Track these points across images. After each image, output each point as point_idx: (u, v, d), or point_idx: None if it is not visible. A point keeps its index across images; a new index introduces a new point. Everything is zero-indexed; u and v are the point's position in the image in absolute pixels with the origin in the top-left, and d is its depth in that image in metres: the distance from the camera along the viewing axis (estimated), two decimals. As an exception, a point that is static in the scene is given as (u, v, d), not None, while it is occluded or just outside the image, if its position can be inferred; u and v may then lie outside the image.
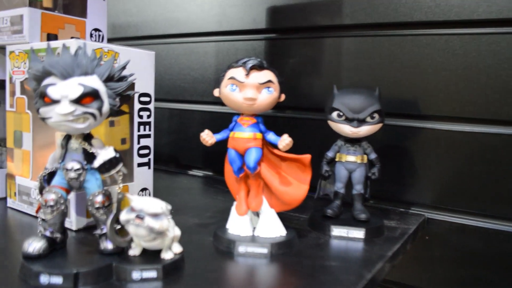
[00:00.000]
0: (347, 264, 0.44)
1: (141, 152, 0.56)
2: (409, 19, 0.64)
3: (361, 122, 0.52)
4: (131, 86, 0.54)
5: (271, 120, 0.78)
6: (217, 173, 0.87)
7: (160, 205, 0.38)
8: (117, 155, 0.39)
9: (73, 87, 0.36)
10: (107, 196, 0.40)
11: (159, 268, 0.38)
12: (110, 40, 0.99)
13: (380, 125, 0.53)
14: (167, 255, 0.40)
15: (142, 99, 0.56)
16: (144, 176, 0.57)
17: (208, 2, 0.83)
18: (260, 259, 0.44)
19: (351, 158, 0.55)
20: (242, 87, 0.45)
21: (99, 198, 0.40)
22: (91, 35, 0.59)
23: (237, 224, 0.48)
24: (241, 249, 0.45)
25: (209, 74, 0.84)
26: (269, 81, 0.45)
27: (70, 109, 0.36)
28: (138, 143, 0.56)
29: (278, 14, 0.76)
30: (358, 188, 0.56)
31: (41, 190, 0.41)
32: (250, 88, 0.45)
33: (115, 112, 0.40)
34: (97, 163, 0.39)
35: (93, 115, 0.37)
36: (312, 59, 0.73)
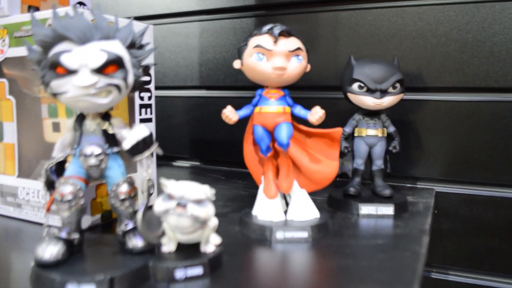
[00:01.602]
0: (394, 240, 0.42)
1: (144, 138, 0.50)
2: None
3: (384, 92, 0.49)
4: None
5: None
6: (205, 162, 0.81)
7: (203, 190, 0.33)
8: (151, 134, 0.33)
9: (95, 53, 0.30)
10: (132, 185, 0.34)
11: (205, 263, 0.33)
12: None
13: (401, 95, 0.51)
14: (208, 248, 0.35)
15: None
16: (147, 165, 0.51)
17: (187, -22, 0.77)
18: (300, 244, 0.40)
19: (371, 132, 0.52)
20: (270, 56, 0.41)
21: (124, 188, 0.34)
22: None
23: (267, 209, 0.43)
24: (279, 235, 0.41)
25: (193, 57, 0.78)
26: (299, 48, 0.41)
27: (92, 80, 0.30)
28: (140, 128, 0.49)
29: (268, -11, 0.71)
30: (378, 164, 0.53)
31: (49, 185, 0.34)
32: (279, 56, 0.41)
33: (138, 84, 0.34)
34: (128, 143, 0.33)
35: (117, 87, 0.31)
36: (307, 35, 0.69)
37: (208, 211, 0.32)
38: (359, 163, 0.53)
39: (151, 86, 0.51)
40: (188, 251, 0.35)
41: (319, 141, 0.46)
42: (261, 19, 0.72)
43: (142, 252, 0.34)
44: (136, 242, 0.34)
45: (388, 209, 0.49)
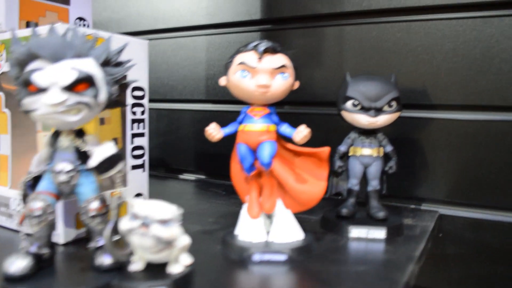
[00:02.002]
0: (376, 267, 0.40)
1: (135, 153, 0.50)
2: (416, 3, 0.61)
3: (379, 111, 0.48)
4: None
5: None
6: (210, 176, 0.81)
7: (170, 210, 0.32)
8: (118, 152, 0.34)
9: (65, 71, 0.30)
10: (104, 202, 0.34)
11: (168, 284, 0.33)
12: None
13: (398, 114, 0.49)
14: (175, 269, 0.34)
15: (135, 93, 0.50)
16: (138, 180, 0.51)
17: (197, -7, 0.78)
18: (278, 267, 0.39)
19: (366, 151, 0.50)
20: (254, 73, 0.40)
21: (95, 205, 0.34)
22: (75, 24, 0.53)
23: (249, 229, 0.43)
24: (257, 256, 0.40)
25: (200, 71, 0.79)
26: (284, 65, 0.41)
27: (61, 98, 0.30)
28: (132, 143, 0.50)
29: (274, 3, 0.71)
30: (374, 184, 0.51)
31: (24, 198, 0.35)
32: (263, 73, 0.40)
33: (113, 102, 0.34)
34: (94, 161, 0.33)
35: (87, 105, 0.31)
36: (312, 50, 0.69)
37: (172, 232, 0.32)
38: (354, 183, 0.52)
39: (145, 101, 0.51)
40: (156, 270, 0.34)
41: (307, 161, 0.45)
42: (267, 33, 0.72)
43: (110, 269, 0.34)
44: (103, 260, 0.34)
45: (379, 233, 0.47)
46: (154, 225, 0.31)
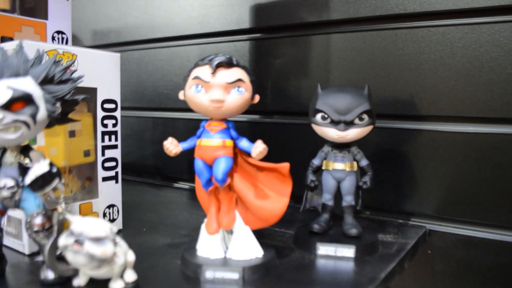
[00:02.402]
0: (333, 290, 0.38)
1: (107, 164, 0.51)
2: (402, 11, 0.58)
3: (349, 124, 0.46)
4: (91, 90, 0.49)
5: (257, 126, 0.73)
6: (204, 184, 0.81)
7: (104, 228, 0.32)
8: (53, 170, 0.34)
9: (1, 91, 0.31)
10: (48, 217, 0.35)
11: (104, 302, 0.33)
12: (93, 47, 0.94)
13: (370, 127, 0.47)
14: (116, 285, 0.34)
15: (106, 106, 0.50)
16: (110, 191, 0.51)
17: (190, 3, 0.78)
18: (231, 286, 0.38)
19: (339, 165, 0.49)
20: (207, 88, 0.40)
21: (38, 220, 0.34)
22: (53, 38, 0.54)
23: (207, 245, 0.42)
24: (209, 274, 0.39)
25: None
26: (239, 79, 0.40)
27: (-5, 117, 0.31)
28: (103, 155, 0.50)
29: (262, 13, 0.70)
30: (348, 200, 0.50)
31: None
32: (217, 88, 0.39)
33: (56, 119, 0.35)
34: (28, 179, 0.33)
35: (25, 123, 0.32)
36: (300, 58, 0.67)
37: (106, 250, 0.32)
38: (327, 198, 0.50)
39: (117, 114, 0.51)
40: (98, 286, 0.34)
41: (271, 176, 0.43)
42: (256, 42, 0.72)
43: (53, 284, 0.34)
44: (47, 274, 0.34)
45: (348, 251, 0.46)
46: (87, 243, 0.31)
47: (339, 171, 0.49)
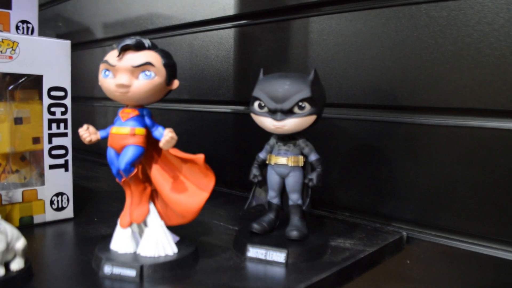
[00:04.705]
0: (229, 297, 0.34)
1: (54, 152, 0.51)
2: (380, -12, 0.52)
3: (286, 113, 0.41)
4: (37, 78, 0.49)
5: (241, 117, 0.69)
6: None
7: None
8: None
9: None
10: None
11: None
12: (102, 40, 0.97)
13: (312, 117, 0.42)
14: (-5, 273, 0.33)
15: (54, 93, 0.50)
16: (59, 179, 0.51)
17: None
18: (127, 283, 0.36)
19: (281, 160, 0.44)
20: (115, 72, 0.37)
21: None
22: (17, 27, 0.55)
23: (119, 239, 0.40)
24: (107, 269, 0.37)
25: (185, 70, 0.77)
26: (147, 63, 0.37)
27: None
28: (50, 142, 0.50)
29: (246, -2, 0.66)
30: (293, 198, 0.45)
31: None
32: (122, 72, 0.37)
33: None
34: None
35: None
36: (282, 45, 0.63)
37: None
38: (272, 196, 0.45)
39: (67, 101, 0.51)
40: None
41: (194, 168, 0.40)
42: (240, 30, 0.68)
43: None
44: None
45: (279, 255, 0.41)
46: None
47: (281, 166, 0.44)
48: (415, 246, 0.51)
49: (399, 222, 0.53)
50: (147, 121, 0.39)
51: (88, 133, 0.40)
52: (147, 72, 0.37)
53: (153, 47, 0.38)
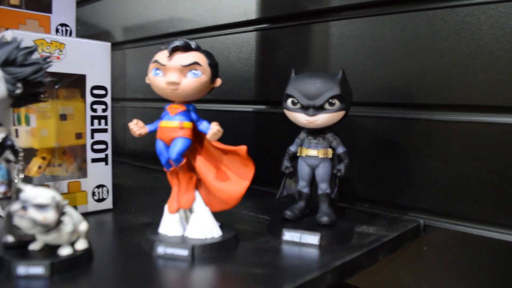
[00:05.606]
0: (276, 272, 0.38)
1: (96, 147, 0.54)
2: (398, -5, 0.56)
3: (318, 109, 0.45)
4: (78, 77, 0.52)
5: (263, 116, 0.73)
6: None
7: (47, 196, 0.35)
8: (6, 142, 0.37)
9: (-39, 71, 0.35)
10: (10, 186, 0.38)
11: (46, 264, 0.35)
12: (122, 43, 1.00)
13: (341, 113, 0.46)
14: (63, 251, 0.37)
15: (96, 91, 0.54)
16: (100, 172, 0.55)
17: (204, -4, 0.81)
18: (180, 262, 0.39)
19: (312, 152, 0.48)
20: (165, 71, 0.41)
21: (1, 189, 0.38)
22: (57, 30, 0.59)
23: (167, 223, 0.44)
24: (160, 250, 0.41)
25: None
26: (195, 63, 0.41)
27: (-42, 94, 0.35)
28: (92, 137, 0.54)
29: (268, 2, 0.70)
30: (323, 188, 0.48)
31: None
32: (172, 71, 0.41)
33: (21, 99, 0.38)
34: (-15, 149, 0.37)
35: (-15, 100, 0.36)
36: (303, 48, 0.67)
37: (47, 216, 0.35)
38: (302, 186, 0.49)
39: (107, 99, 0.55)
40: (49, 251, 0.37)
41: (235, 159, 0.44)
42: (262, 33, 0.72)
43: (13, 246, 0.38)
44: (7, 237, 0.38)
45: (313, 238, 0.45)
46: (31, 209, 0.34)
47: (312, 157, 0.48)
48: (431, 233, 0.55)
49: (416, 211, 0.57)
50: (193, 115, 0.43)
51: (138, 127, 0.44)
52: (194, 71, 0.41)
53: (198, 48, 0.42)
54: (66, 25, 0.59)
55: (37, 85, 0.39)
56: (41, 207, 0.34)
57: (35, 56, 0.39)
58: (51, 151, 0.54)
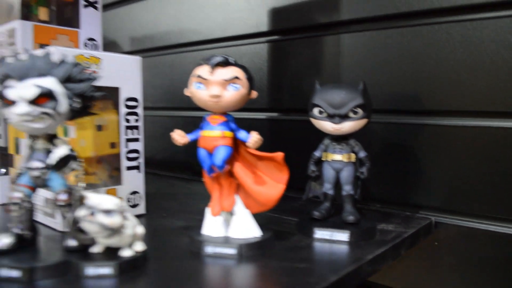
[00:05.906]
0: (316, 266, 0.42)
1: (130, 155, 0.57)
2: (407, 9, 0.61)
3: (343, 118, 0.50)
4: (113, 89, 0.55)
5: (275, 123, 0.77)
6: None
7: (113, 202, 0.38)
8: (71, 153, 0.40)
9: (29, 87, 0.38)
10: (71, 194, 0.41)
11: (114, 264, 0.38)
12: (130, 53, 1.03)
13: (364, 121, 0.51)
14: (125, 253, 0.40)
15: (129, 103, 0.57)
16: (134, 179, 0.58)
17: (214, 9, 0.84)
18: (228, 260, 0.43)
19: (337, 156, 0.52)
20: (207, 85, 0.45)
21: (62, 197, 0.41)
22: (85, 45, 0.61)
23: (210, 225, 0.47)
24: (209, 249, 0.44)
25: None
26: (235, 77, 0.45)
27: (26, 109, 0.37)
28: (126, 147, 0.57)
29: (279, 16, 0.75)
30: (347, 189, 0.53)
31: (15, 190, 0.43)
32: (215, 85, 0.44)
33: (77, 112, 0.41)
34: (50, 160, 0.40)
35: (49, 114, 0.38)
36: (314, 59, 0.71)
37: (114, 220, 0.38)
38: (328, 188, 0.54)
39: (139, 111, 0.58)
40: (111, 254, 0.40)
41: (270, 164, 0.48)
42: (273, 44, 0.76)
43: (75, 250, 0.41)
44: (69, 242, 0.41)
45: (343, 235, 0.49)
46: (99, 214, 0.38)
47: (337, 162, 0.52)
48: (442, 229, 0.60)
49: (426, 210, 0.62)
50: (232, 125, 0.47)
51: (180, 137, 0.47)
52: (235, 85, 0.45)
53: (236, 64, 0.46)
54: (93, 40, 0.62)
55: (90, 99, 0.42)
56: (108, 212, 0.38)
57: (88, 72, 0.42)
58: (87, 161, 0.56)
